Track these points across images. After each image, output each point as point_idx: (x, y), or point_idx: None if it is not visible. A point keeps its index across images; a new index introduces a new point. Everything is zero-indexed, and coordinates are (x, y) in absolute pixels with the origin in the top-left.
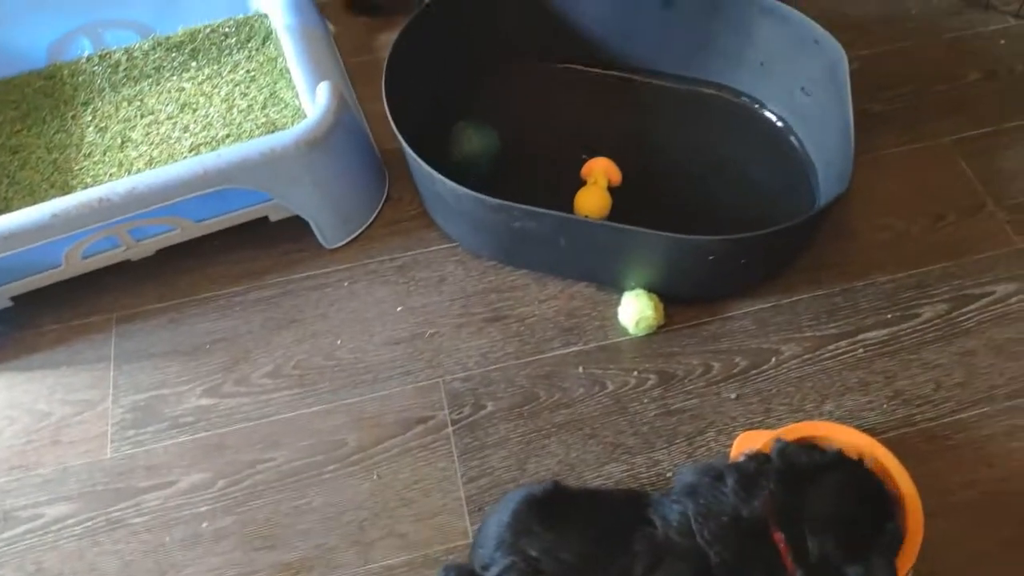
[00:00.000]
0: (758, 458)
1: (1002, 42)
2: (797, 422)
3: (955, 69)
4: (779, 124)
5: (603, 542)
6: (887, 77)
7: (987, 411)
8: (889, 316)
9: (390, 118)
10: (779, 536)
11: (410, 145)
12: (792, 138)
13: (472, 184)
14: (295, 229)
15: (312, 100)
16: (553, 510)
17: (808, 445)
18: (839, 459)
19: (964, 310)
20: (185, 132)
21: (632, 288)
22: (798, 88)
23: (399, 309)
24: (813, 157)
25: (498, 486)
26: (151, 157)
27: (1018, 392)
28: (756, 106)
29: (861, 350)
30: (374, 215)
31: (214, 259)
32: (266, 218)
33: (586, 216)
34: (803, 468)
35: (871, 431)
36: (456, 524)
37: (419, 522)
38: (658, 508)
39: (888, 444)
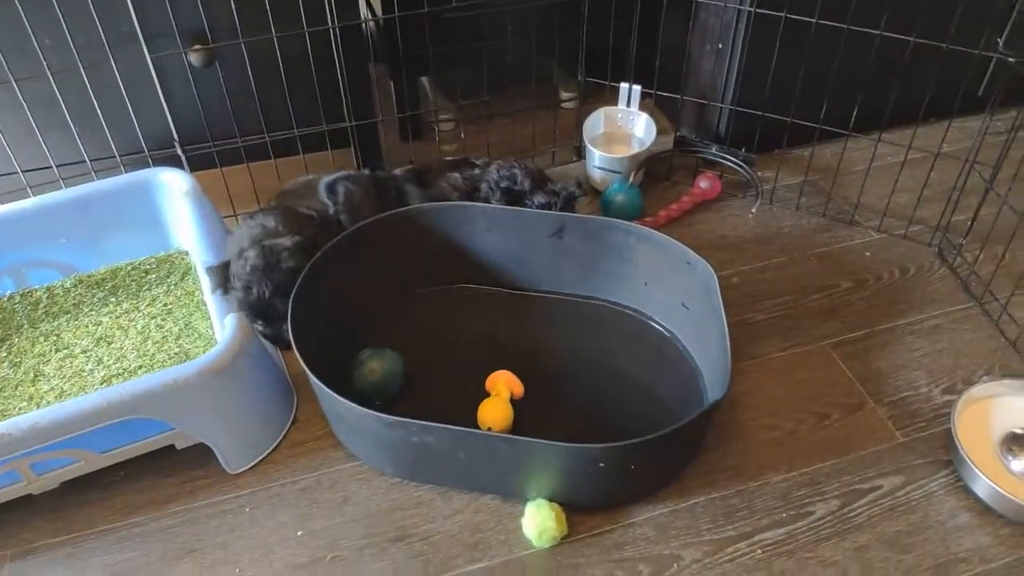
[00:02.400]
0: None
1: (867, 254)
2: None
3: (828, 279)
4: (666, 334)
5: None
6: (766, 289)
7: None
8: (784, 515)
9: (294, 346)
10: None
11: (320, 368)
12: (679, 347)
13: (380, 405)
14: (201, 455)
15: None
16: None
17: None
18: None
19: (854, 505)
20: (99, 365)
21: (534, 498)
22: (679, 303)
23: (300, 533)
24: (699, 364)
25: None
26: (62, 390)
27: None
28: (643, 317)
29: (759, 551)
30: (280, 438)
31: (118, 489)
32: (172, 446)
33: (489, 428)
34: None
35: None
36: None
37: None
38: None
39: None
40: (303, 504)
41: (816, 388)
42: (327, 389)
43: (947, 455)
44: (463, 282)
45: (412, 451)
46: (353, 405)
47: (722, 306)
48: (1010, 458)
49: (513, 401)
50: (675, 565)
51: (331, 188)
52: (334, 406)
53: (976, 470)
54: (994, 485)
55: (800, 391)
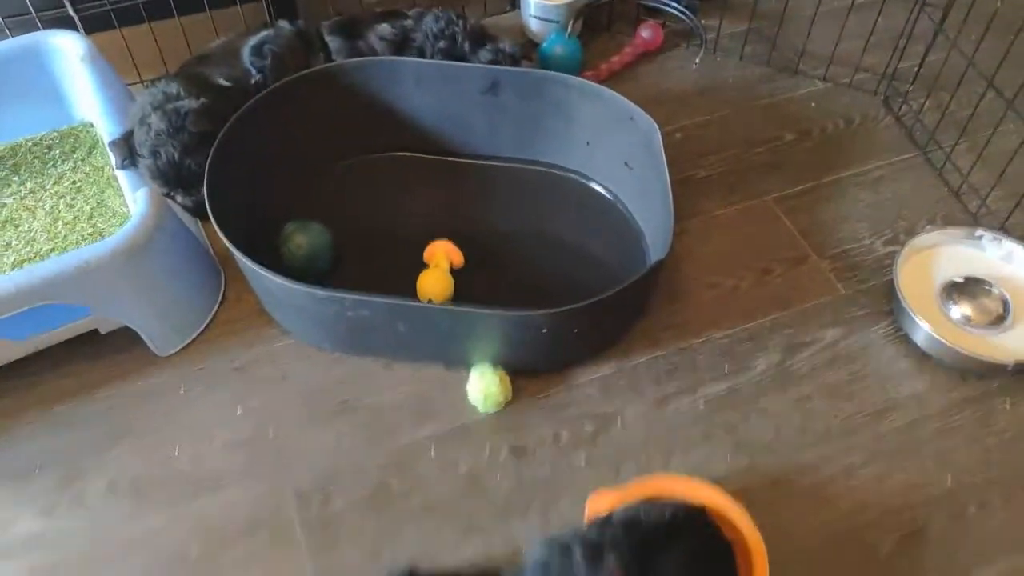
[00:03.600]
0: (602, 524)
1: (812, 104)
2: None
3: (772, 132)
4: (608, 196)
5: None
6: (709, 144)
7: (825, 452)
8: (726, 370)
9: (212, 217)
10: None
11: (245, 244)
12: (621, 208)
13: (313, 280)
14: (126, 339)
15: None
16: None
17: (651, 505)
18: (683, 519)
19: (796, 357)
20: (7, 249)
21: (478, 365)
22: (622, 162)
23: (239, 412)
24: (642, 225)
25: None
26: None
27: (851, 431)
28: (585, 180)
29: (702, 404)
30: (209, 318)
31: (43, 377)
32: (96, 331)
33: (429, 300)
34: (648, 532)
35: (717, 481)
36: None
37: None
38: None
39: (734, 493)
40: (240, 383)
41: (759, 244)
42: (252, 264)
43: (888, 306)
44: (395, 149)
45: (349, 325)
46: (282, 280)
47: (665, 163)
48: (950, 305)
49: (453, 271)
50: (619, 421)
51: (257, 51)
52: (262, 282)
53: (915, 318)
54: (933, 332)
55: (743, 247)
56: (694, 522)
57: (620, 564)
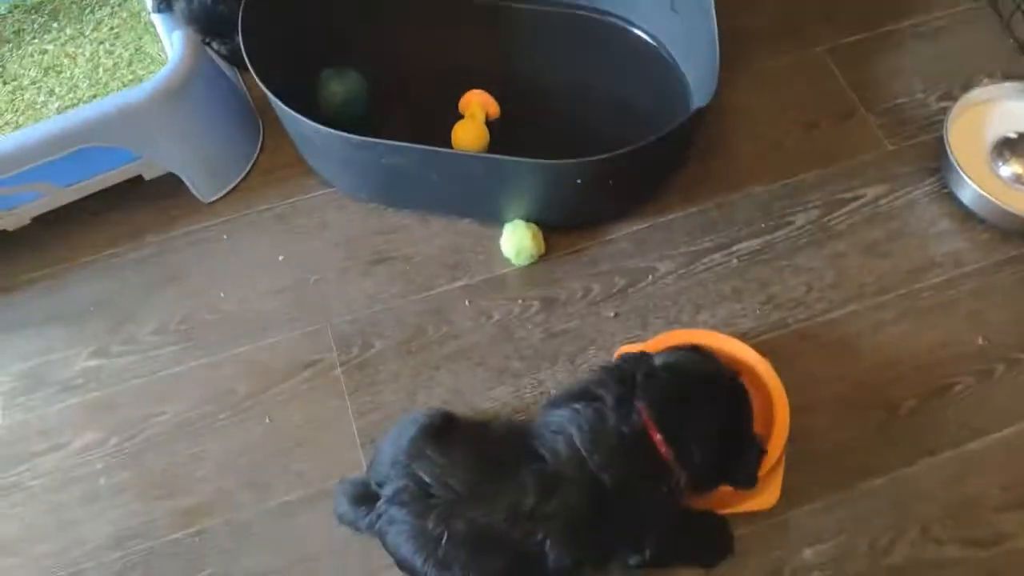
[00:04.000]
0: (630, 366)
1: None
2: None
3: None
4: (651, 43)
5: (490, 473)
6: None
7: (856, 309)
8: (763, 225)
9: (248, 62)
10: (659, 439)
11: (282, 92)
12: (665, 56)
13: (349, 129)
14: (170, 186)
15: None
16: (445, 439)
17: (683, 356)
18: (714, 374)
19: (835, 214)
20: (51, 96)
21: (512, 220)
22: (667, 6)
23: (281, 258)
24: (686, 74)
25: (389, 419)
26: (17, 124)
27: (885, 289)
28: (627, 25)
29: (735, 260)
30: (249, 165)
31: (91, 223)
32: (140, 177)
33: (465, 150)
34: (676, 384)
35: (744, 336)
36: (350, 457)
37: (314, 459)
38: (545, 439)
39: (762, 347)
40: (281, 230)
41: (807, 96)
42: (288, 109)
43: (935, 163)
44: None
45: (384, 174)
46: (317, 126)
47: (713, 7)
48: (1000, 163)
49: (488, 122)
50: (650, 276)
51: None
52: (299, 128)
53: (963, 175)
54: (979, 189)
55: (790, 100)
56: (723, 379)
57: (651, 405)
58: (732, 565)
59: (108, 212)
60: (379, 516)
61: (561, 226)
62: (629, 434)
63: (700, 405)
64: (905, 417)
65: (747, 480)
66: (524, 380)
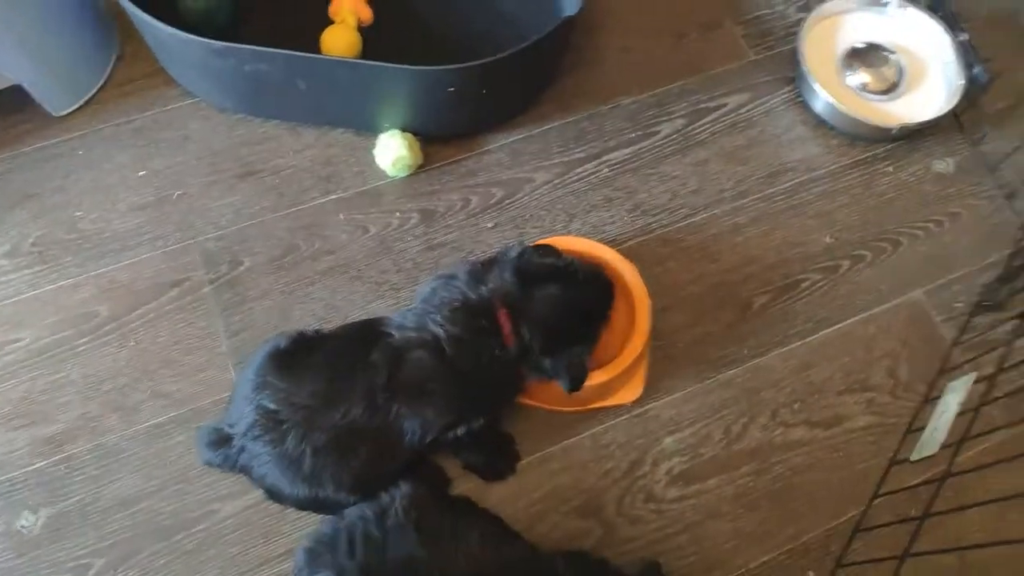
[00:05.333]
0: (496, 256)
1: None
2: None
3: None
4: None
5: (341, 371)
6: None
7: (716, 213)
8: (632, 136)
9: None
10: (503, 314)
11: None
12: None
13: (214, 37)
14: (18, 99)
15: None
16: (293, 359)
17: (549, 249)
18: (564, 267)
19: (699, 123)
20: None
21: (387, 129)
22: None
23: (142, 173)
24: None
25: (262, 337)
26: None
27: (742, 194)
28: None
29: (606, 170)
30: (105, 76)
31: None
32: None
33: (335, 57)
34: (536, 266)
35: (613, 242)
36: (221, 377)
37: (183, 380)
38: (393, 320)
39: (629, 252)
40: (141, 144)
41: (676, 7)
42: (141, 13)
43: (793, 73)
44: None
45: (249, 82)
46: (174, 30)
47: None
48: (848, 72)
49: (361, 28)
50: (527, 187)
51: None
52: (156, 35)
53: (815, 85)
54: (829, 97)
55: (660, 11)
56: (579, 270)
57: (504, 283)
58: (600, 456)
59: None
60: (238, 454)
61: (438, 136)
62: (475, 301)
63: (549, 293)
64: (758, 312)
65: (567, 373)
66: (403, 293)
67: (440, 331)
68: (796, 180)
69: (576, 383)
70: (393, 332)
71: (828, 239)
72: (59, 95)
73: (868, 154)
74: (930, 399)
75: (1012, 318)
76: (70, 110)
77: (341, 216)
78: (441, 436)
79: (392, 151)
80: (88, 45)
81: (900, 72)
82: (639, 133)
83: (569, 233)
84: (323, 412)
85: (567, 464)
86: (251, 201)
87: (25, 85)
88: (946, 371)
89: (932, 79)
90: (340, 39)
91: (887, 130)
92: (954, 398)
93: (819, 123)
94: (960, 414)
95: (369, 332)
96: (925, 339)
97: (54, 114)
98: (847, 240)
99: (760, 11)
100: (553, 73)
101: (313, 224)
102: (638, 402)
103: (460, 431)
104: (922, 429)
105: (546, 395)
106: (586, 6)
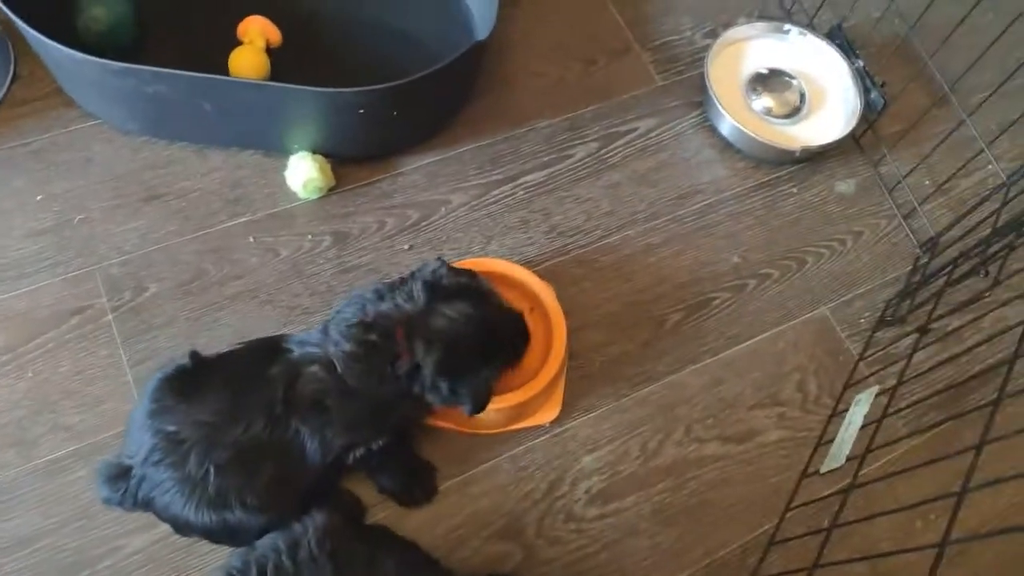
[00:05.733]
0: (409, 274)
1: None
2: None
3: None
4: None
5: (242, 387)
6: None
7: (629, 234)
8: (547, 159)
9: None
10: (400, 331)
11: (34, 16)
12: None
13: (116, 58)
14: None
15: None
16: (191, 380)
17: (464, 271)
18: (475, 288)
19: (611, 147)
20: None
21: (297, 151)
22: None
23: (39, 198)
24: (471, 8)
25: None
26: None
27: (655, 215)
28: None
29: (522, 192)
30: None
31: None
32: None
33: (243, 79)
34: (444, 284)
35: (530, 263)
36: (124, 408)
37: (85, 412)
38: (295, 337)
39: (545, 272)
40: (39, 167)
41: (586, 34)
42: (35, 32)
43: (700, 97)
44: None
45: (151, 104)
46: (70, 51)
47: None
48: (753, 97)
49: (269, 50)
50: (443, 209)
51: None
52: (52, 55)
53: (721, 109)
54: (735, 122)
55: (570, 37)
56: (481, 296)
57: (399, 309)
58: (519, 478)
59: None
60: (138, 485)
61: (351, 158)
62: (373, 317)
63: (451, 316)
64: (671, 331)
65: (469, 398)
66: (316, 317)
67: (333, 347)
68: (705, 201)
69: (478, 406)
70: (294, 348)
71: (736, 259)
72: None
73: (773, 176)
74: (837, 412)
75: (912, 332)
76: None
77: (251, 239)
78: (344, 456)
79: (303, 173)
80: None
81: (802, 97)
82: (554, 156)
83: (486, 254)
84: (225, 428)
85: (486, 487)
86: (156, 225)
87: None
88: (852, 385)
89: (832, 103)
90: (248, 61)
91: (791, 152)
92: (859, 410)
93: (726, 146)
94: (864, 426)
95: (271, 348)
96: (832, 354)
97: None
98: (754, 259)
99: (667, 37)
100: (466, 96)
101: (221, 248)
102: (556, 422)
103: (360, 451)
104: (831, 442)
105: (461, 418)
106: (496, 31)
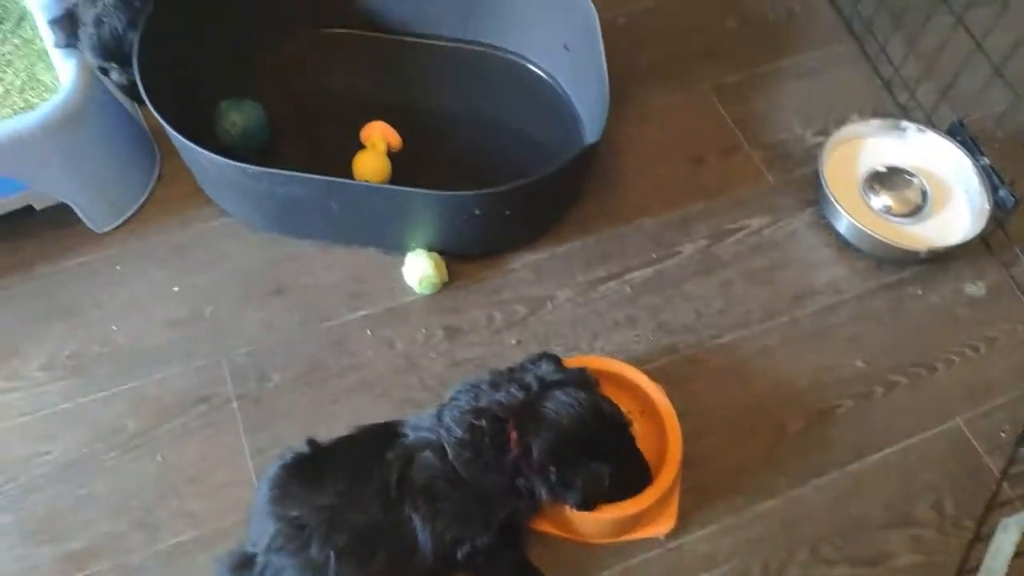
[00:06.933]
0: (511, 372)
1: None
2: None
3: (714, 19)
4: (546, 78)
5: (359, 472)
6: (651, 30)
7: (743, 334)
8: (654, 255)
9: (143, 92)
10: (511, 420)
11: (179, 121)
12: (559, 91)
13: (251, 159)
14: (63, 215)
15: None
16: (310, 467)
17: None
18: (580, 381)
19: (722, 243)
20: None
21: (414, 248)
22: (560, 45)
23: (176, 289)
24: (580, 110)
25: None
26: None
27: (770, 315)
28: (523, 62)
29: (629, 289)
30: (145, 195)
31: None
32: (31, 207)
33: (367, 180)
34: (552, 380)
35: (638, 362)
36: (245, 496)
37: (207, 498)
38: (410, 421)
39: (655, 372)
40: (177, 261)
41: (695, 132)
42: (183, 139)
43: (813, 195)
44: (334, 25)
45: (282, 204)
46: (214, 156)
47: (602, 47)
48: (871, 195)
49: (390, 153)
50: (549, 304)
51: None
52: (195, 158)
53: (839, 207)
54: (854, 221)
55: (679, 135)
56: (587, 391)
57: (513, 407)
58: None
59: None
60: (262, 573)
61: (463, 255)
62: (485, 405)
63: (562, 407)
64: (793, 439)
65: (577, 488)
66: (427, 409)
67: (446, 433)
68: (824, 302)
69: (586, 498)
70: (408, 432)
71: (861, 364)
72: (103, 213)
73: (895, 277)
74: (981, 537)
75: None
76: (112, 227)
77: (368, 332)
78: (453, 552)
79: (419, 270)
80: (132, 167)
81: (923, 195)
82: (661, 253)
83: (593, 351)
84: (343, 512)
85: None
86: (281, 317)
87: (71, 203)
88: (995, 507)
89: (957, 202)
90: (371, 164)
91: (915, 253)
92: (1008, 538)
93: (843, 245)
94: (1017, 555)
95: (387, 433)
96: (969, 470)
97: (97, 231)
98: (881, 365)
99: (778, 135)
100: (575, 195)
101: (341, 340)
102: (671, 535)
103: (468, 548)
104: (975, 570)
105: (573, 525)
106: (606, 132)
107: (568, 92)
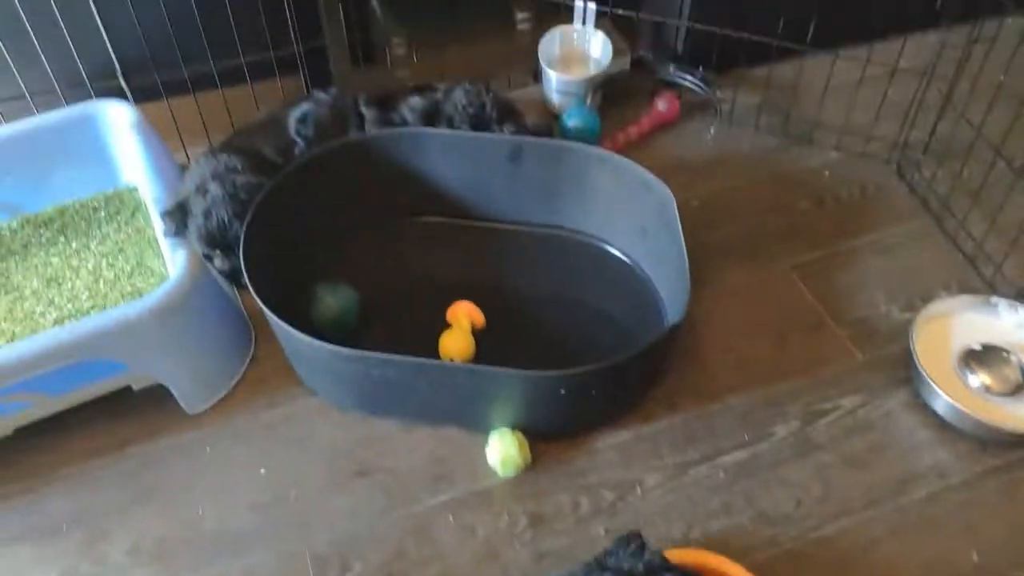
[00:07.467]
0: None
1: (826, 173)
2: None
3: (786, 200)
4: (627, 261)
5: None
6: (725, 211)
7: (845, 524)
8: (746, 437)
9: (246, 276)
10: None
11: (276, 302)
12: (639, 273)
13: (340, 340)
14: (158, 396)
15: None
16: None
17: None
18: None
19: (815, 425)
20: (50, 306)
21: (498, 428)
22: (639, 228)
23: (263, 471)
24: (659, 290)
25: None
26: (13, 334)
27: (873, 503)
28: (605, 245)
29: (721, 473)
30: (238, 377)
31: (74, 432)
32: (129, 387)
33: (451, 359)
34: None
35: (738, 554)
36: None
37: None
38: None
39: (757, 567)
40: (265, 442)
41: (776, 310)
42: (282, 323)
43: (906, 373)
44: (422, 214)
45: (373, 385)
46: (311, 340)
47: (680, 230)
48: (968, 374)
49: (474, 332)
50: (638, 489)
51: (302, 121)
52: (292, 342)
53: (935, 387)
54: (953, 402)
55: (760, 313)
56: None
57: None
58: None
59: (92, 421)
60: None
61: (546, 434)
62: None
63: None
64: None
65: None
66: None
67: None
68: (929, 489)
69: None
70: None
71: (976, 557)
72: (197, 395)
73: (1003, 460)
74: None
75: None
76: (204, 408)
77: (450, 517)
78: None
79: (501, 451)
80: (229, 350)
81: (1022, 372)
82: (753, 434)
83: (688, 543)
84: None
85: None
86: (364, 502)
87: (169, 385)
88: None
89: None
90: (457, 343)
91: (1022, 435)
92: None
93: (943, 426)
94: None
95: None
96: None
97: (190, 413)
98: (998, 559)
99: (862, 312)
100: (659, 374)
101: (423, 527)
102: None
103: None
104: None
105: None
106: (688, 313)
107: (648, 272)
